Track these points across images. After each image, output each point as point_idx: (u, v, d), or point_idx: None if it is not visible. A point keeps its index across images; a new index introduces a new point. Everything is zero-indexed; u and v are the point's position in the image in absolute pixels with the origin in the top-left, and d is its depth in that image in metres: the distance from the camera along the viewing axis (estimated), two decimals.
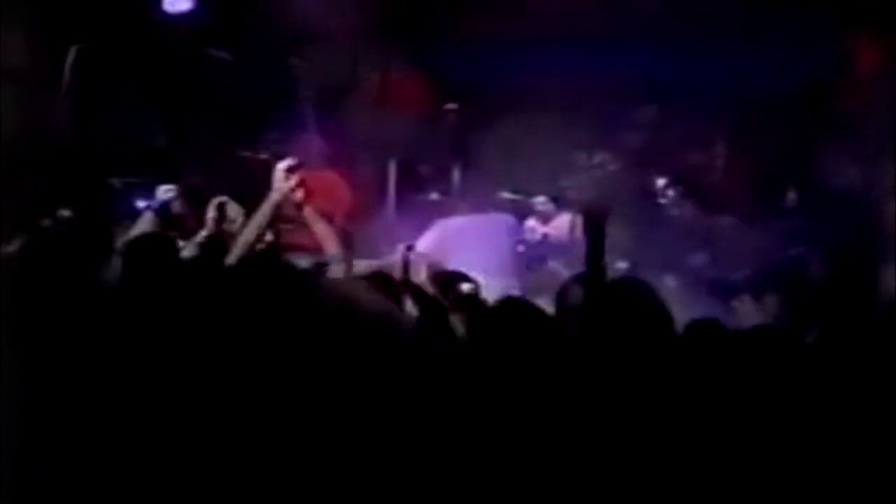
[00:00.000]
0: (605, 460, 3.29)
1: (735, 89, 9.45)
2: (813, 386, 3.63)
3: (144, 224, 6.23)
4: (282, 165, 6.04)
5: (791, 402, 3.55)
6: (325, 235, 5.90)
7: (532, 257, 9.06)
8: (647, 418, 3.37)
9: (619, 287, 4.14)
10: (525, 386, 3.42)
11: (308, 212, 6.03)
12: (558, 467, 3.26)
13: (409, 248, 6.81)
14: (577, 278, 4.52)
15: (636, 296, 3.86)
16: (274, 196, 5.95)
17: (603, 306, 3.85)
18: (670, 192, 9.38)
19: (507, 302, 3.97)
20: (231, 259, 5.20)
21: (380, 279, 4.71)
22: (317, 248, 6.94)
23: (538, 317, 3.77)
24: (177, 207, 7.53)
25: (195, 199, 7.62)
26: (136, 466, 3.00)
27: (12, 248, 4.13)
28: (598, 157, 9.45)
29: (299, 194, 6.04)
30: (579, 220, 8.80)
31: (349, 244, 6.69)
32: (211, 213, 6.19)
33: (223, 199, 6.38)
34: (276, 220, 7.73)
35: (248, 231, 5.79)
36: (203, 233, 6.22)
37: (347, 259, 5.87)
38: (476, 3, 9.67)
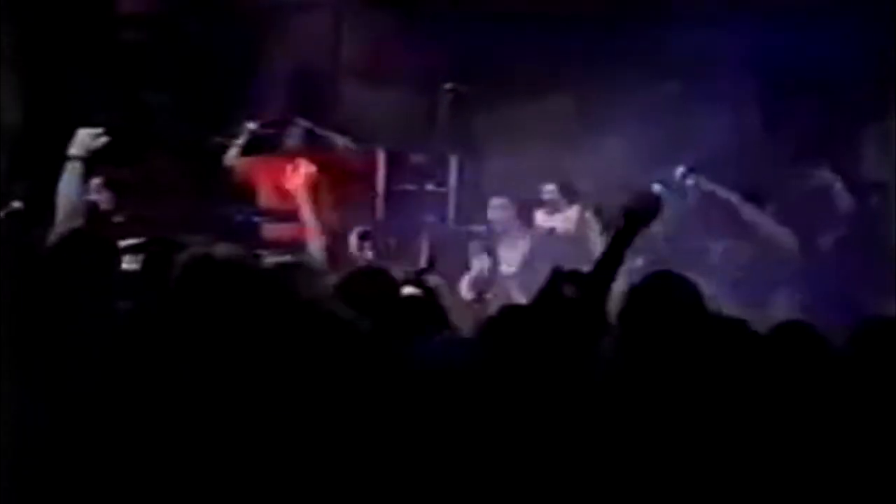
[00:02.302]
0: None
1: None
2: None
3: (71, 178, 5.02)
4: None
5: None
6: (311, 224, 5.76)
7: None
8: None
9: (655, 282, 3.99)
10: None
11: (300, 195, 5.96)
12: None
13: (364, 235, 7.17)
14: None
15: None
16: None
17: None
18: (690, 181, 8.54)
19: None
20: None
21: (376, 274, 4.59)
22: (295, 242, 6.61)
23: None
24: (104, 200, 7.37)
25: (120, 190, 7.60)
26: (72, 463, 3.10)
27: None
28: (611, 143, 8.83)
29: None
30: (588, 214, 8.67)
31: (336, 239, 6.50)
32: None
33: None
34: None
35: None
36: None
37: (330, 253, 5.63)
38: None
